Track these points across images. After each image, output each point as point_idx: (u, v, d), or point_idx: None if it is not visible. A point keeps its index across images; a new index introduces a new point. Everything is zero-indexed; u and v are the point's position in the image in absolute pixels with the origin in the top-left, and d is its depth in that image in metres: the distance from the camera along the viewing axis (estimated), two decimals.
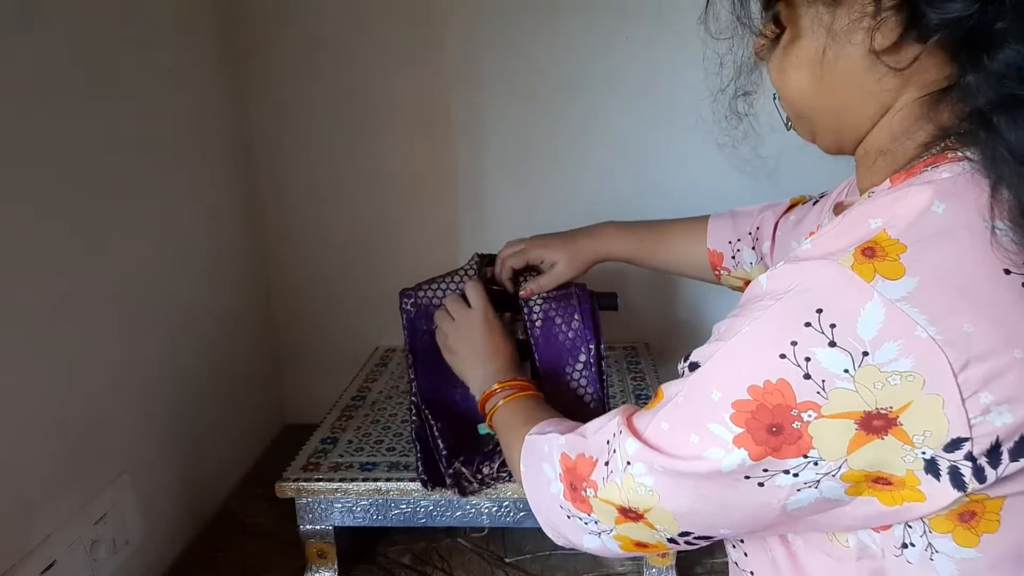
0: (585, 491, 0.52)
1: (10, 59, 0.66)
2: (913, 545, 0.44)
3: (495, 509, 0.84)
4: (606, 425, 0.53)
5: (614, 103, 1.14)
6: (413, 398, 0.87)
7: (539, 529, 0.60)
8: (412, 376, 0.87)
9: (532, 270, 0.89)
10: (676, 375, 0.50)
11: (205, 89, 1.04)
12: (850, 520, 0.46)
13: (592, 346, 0.85)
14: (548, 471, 0.57)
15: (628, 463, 0.49)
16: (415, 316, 0.86)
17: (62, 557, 0.72)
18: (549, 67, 1.12)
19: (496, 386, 0.72)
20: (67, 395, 0.74)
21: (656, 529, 0.50)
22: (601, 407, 0.82)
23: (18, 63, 0.67)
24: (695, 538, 0.50)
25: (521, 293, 0.86)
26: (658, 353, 1.20)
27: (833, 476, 0.43)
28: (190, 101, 1.00)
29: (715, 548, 0.94)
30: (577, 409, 0.81)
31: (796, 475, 0.43)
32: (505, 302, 0.89)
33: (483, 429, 0.84)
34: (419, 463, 0.83)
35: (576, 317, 0.85)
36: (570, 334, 0.86)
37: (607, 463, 0.51)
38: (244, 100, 1.14)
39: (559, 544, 0.59)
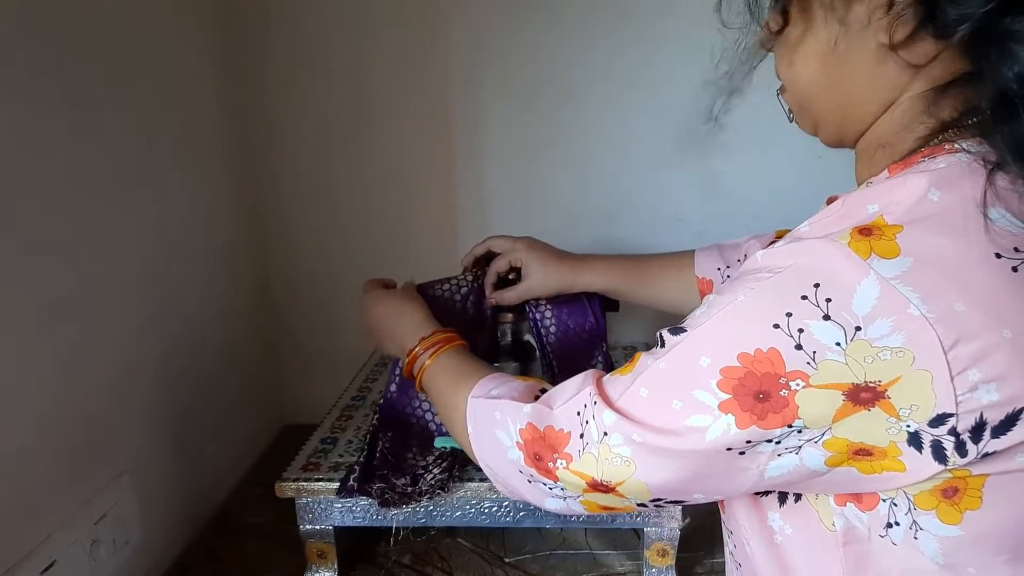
0: (555, 462, 0.52)
1: (10, 59, 0.66)
2: (898, 524, 0.45)
3: (495, 509, 0.84)
4: (575, 395, 0.53)
5: (615, 104, 1.13)
6: (380, 403, 0.87)
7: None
8: (391, 381, 0.88)
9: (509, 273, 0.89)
10: None
11: (205, 89, 1.04)
12: (825, 485, 0.47)
13: (604, 344, 0.87)
14: (503, 438, 0.56)
15: (605, 434, 0.49)
16: None
17: (62, 557, 0.72)
18: (549, 68, 1.12)
19: (417, 345, 0.70)
20: (67, 395, 0.74)
21: (626, 498, 0.51)
22: None
23: (17, 63, 0.67)
24: (666, 502, 0.51)
25: (488, 302, 0.87)
26: None
27: (815, 443, 0.43)
28: (189, 100, 1.00)
29: (715, 548, 0.94)
30: None
31: (778, 442, 0.44)
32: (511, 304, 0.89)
33: (440, 443, 0.84)
34: (357, 466, 0.81)
35: (590, 319, 0.87)
36: (584, 335, 0.87)
37: (581, 435, 0.51)
38: (244, 99, 1.14)
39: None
